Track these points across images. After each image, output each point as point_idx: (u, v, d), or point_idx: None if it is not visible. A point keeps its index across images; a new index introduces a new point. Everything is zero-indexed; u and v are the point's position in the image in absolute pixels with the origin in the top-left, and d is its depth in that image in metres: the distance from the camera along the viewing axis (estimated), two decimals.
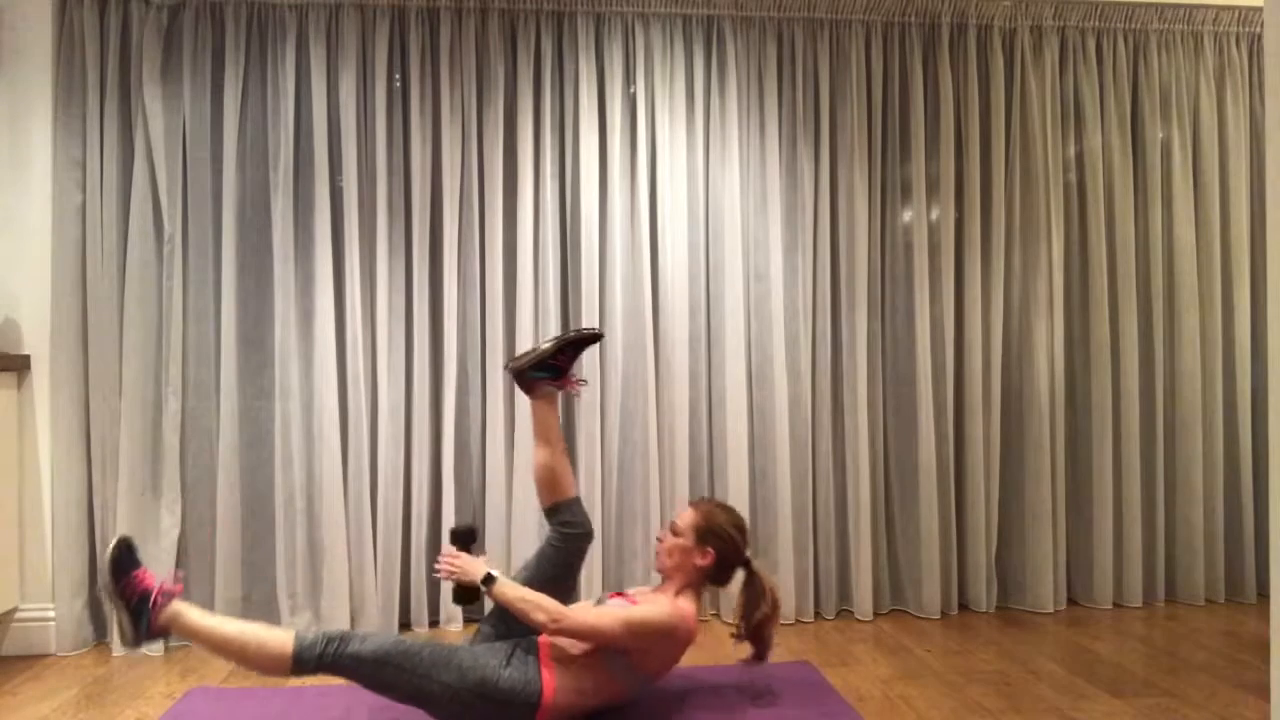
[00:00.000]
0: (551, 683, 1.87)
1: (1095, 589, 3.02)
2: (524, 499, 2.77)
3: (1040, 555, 2.97)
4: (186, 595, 2.68)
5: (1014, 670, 2.43)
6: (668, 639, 1.96)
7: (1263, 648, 2.58)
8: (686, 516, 2.14)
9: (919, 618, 2.94)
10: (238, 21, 2.75)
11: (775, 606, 2.13)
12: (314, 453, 2.75)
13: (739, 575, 2.18)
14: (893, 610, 3.02)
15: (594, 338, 2.22)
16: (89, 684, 2.37)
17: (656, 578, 2.83)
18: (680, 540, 2.11)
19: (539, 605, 1.85)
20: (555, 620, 1.84)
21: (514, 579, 2.05)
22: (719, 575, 2.14)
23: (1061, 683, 2.33)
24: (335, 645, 1.77)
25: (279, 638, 1.78)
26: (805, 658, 2.53)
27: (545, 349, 2.16)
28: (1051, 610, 2.98)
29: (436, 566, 2.05)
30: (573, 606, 1.92)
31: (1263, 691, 2.24)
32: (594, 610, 1.91)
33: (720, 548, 2.09)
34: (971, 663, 2.49)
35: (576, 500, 2.16)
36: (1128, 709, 2.14)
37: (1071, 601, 3.09)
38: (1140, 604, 3.03)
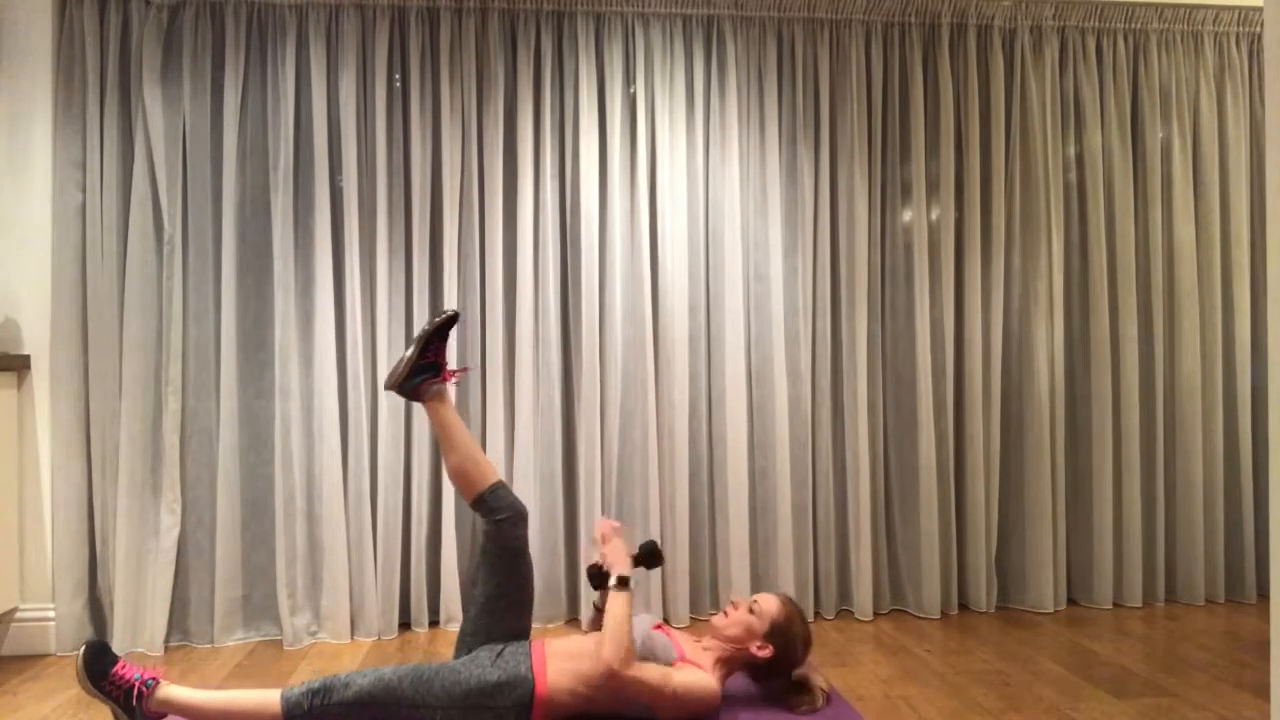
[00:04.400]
0: (545, 678, 1.88)
1: (1095, 589, 3.02)
2: (523, 498, 2.78)
3: (1040, 555, 2.98)
4: (186, 594, 2.72)
5: (1014, 670, 2.43)
6: (699, 708, 1.96)
7: (1263, 648, 2.58)
8: (771, 605, 2.10)
9: (919, 618, 2.94)
10: (238, 21, 2.75)
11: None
12: (314, 453, 2.75)
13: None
14: (893, 610, 3.02)
15: (449, 321, 2.17)
16: None
17: (655, 582, 2.85)
18: (753, 621, 2.07)
19: (622, 644, 1.84)
20: (618, 668, 1.83)
21: (474, 588, 2.05)
22: (760, 672, 2.11)
23: (1061, 683, 2.33)
24: (321, 697, 1.80)
25: (267, 702, 1.80)
26: None
27: (410, 354, 2.12)
28: (1051, 610, 2.98)
29: (597, 532, 2.10)
30: (594, 637, 1.93)
31: (1263, 691, 2.24)
32: (652, 670, 1.89)
33: (781, 650, 2.07)
34: (971, 663, 2.49)
35: (499, 484, 2.10)
36: (1128, 709, 2.14)
37: (1071, 601, 3.09)
38: (1140, 604, 3.03)
